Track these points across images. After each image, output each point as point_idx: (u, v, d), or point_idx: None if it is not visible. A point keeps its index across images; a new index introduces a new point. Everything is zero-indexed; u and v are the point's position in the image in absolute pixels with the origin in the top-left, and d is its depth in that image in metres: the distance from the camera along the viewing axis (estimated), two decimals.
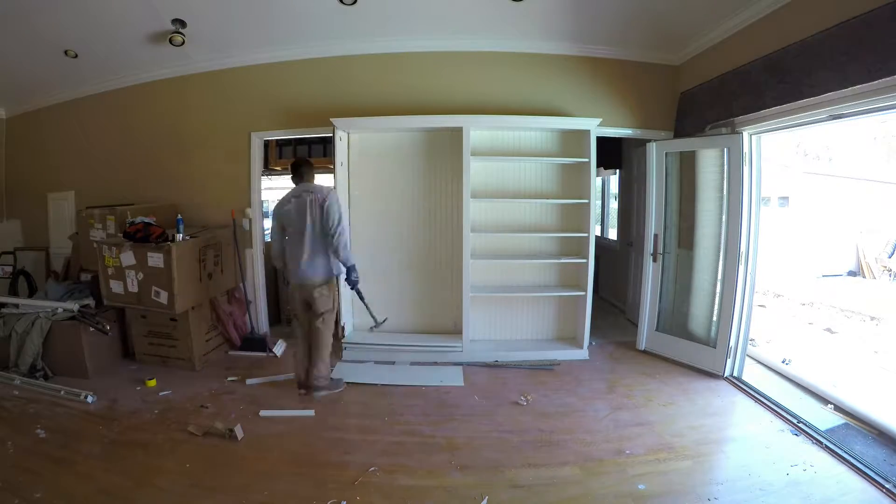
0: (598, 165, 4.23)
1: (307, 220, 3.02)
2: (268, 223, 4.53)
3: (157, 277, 3.49)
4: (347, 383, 3.42)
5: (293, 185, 3.21)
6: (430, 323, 4.17)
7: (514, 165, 4.08)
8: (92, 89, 4.63)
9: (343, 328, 4.05)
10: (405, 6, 3.54)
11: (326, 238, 3.03)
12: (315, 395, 3.19)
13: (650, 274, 4.03)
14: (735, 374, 3.49)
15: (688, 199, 3.94)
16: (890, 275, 8.73)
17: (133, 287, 3.56)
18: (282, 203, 3.17)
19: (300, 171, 3.18)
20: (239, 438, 2.66)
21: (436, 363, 3.84)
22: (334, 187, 3.34)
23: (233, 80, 4.29)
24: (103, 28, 3.66)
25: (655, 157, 3.95)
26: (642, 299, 4.11)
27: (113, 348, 3.81)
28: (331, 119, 3.93)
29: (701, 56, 3.79)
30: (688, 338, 3.84)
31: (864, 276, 8.92)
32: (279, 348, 4.09)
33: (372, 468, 2.41)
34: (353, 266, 3.15)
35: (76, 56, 4.06)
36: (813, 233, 9.41)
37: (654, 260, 3.99)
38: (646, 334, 4.07)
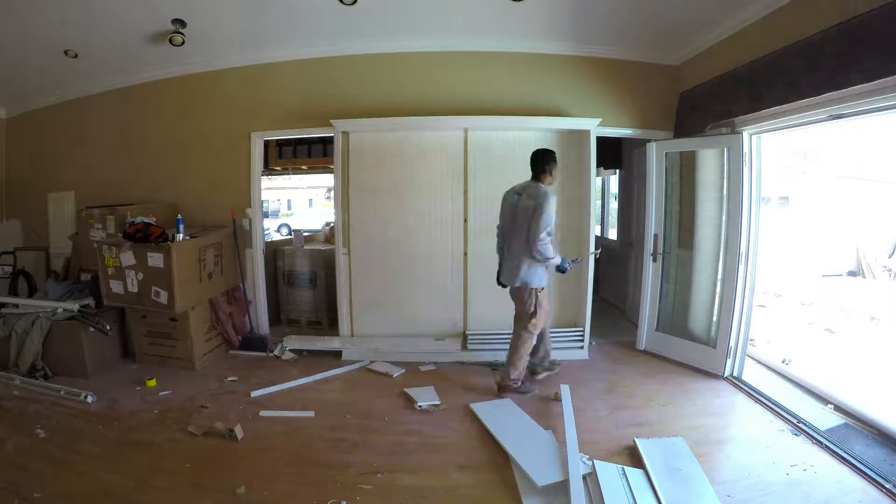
0: (598, 165, 4.23)
1: (521, 226, 3.06)
2: (268, 223, 4.53)
3: (157, 277, 3.49)
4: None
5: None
6: (429, 322, 4.16)
7: (515, 165, 4.06)
8: (92, 89, 4.64)
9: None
10: (405, 6, 3.54)
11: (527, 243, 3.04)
12: (502, 393, 3.20)
13: (650, 274, 4.03)
14: (735, 374, 3.48)
15: (688, 199, 3.94)
16: (890, 275, 8.72)
17: (133, 287, 3.56)
18: (508, 195, 3.25)
19: (535, 167, 3.17)
20: (239, 438, 2.66)
21: (435, 363, 3.84)
22: (546, 194, 3.04)
23: (233, 80, 4.29)
24: (103, 28, 3.66)
25: (655, 157, 3.94)
26: (642, 299, 4.11)
27: (113, 348, 3.81)
28: (331, 121, 3.95)
29: (701, 56, 3.79)
30: (688, 338, 3.84)
31: (864, 276, 8.91)
32: (286, 356, 4.02)
33: (372, 468, 2.41)
34: (561, 262, 3.17)
35: (76, 56, 4.06)
36: (813, 233, 9.40)
37: (654, 260, 3.98)
38: (646, 334, 4.07)
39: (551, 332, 4.10)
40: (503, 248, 3.31)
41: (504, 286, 3.38)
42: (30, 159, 5.09)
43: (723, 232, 3.54)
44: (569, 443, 2.53)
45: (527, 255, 3.07)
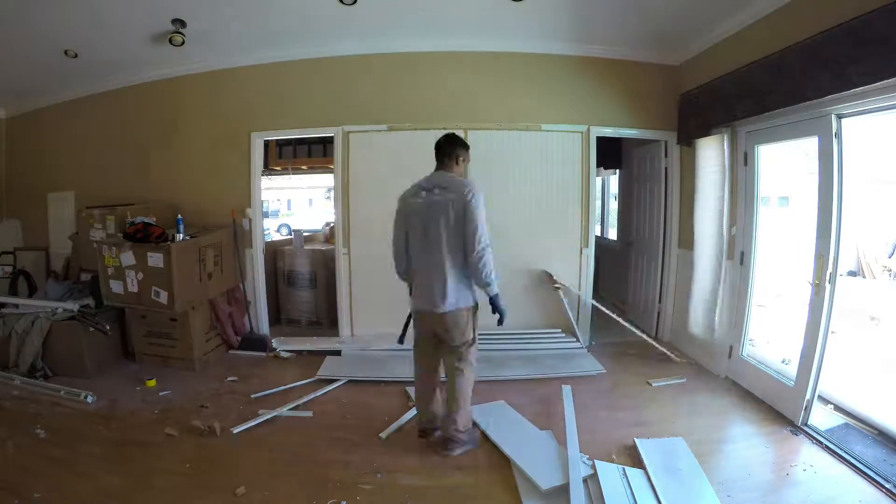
0: (598, 165, 4.24)
1: (440, 229, 2.34)
2: (267, 223, 4.53)
3: (157, 277, 3.49)
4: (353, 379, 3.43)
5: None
6: None
7: (515, 167, 4.08)
8: (92, 89, 4.64)
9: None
10: (405, 6, 3.54)
11: (463, 253, 2.34)
12: (449, 451, 2.47)
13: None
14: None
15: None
16: (890, 275, 8.71)
17: (133, 287, 3.56)
18: (408, 195, 2.50)
19: (440, 154, 2.49)
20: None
21: None
22: (472, 183, 2.39)
23: (233, 80, 4.29)
24: (103, 28, 3.66)
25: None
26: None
27: (113, 348, 3.82)
28: (330, 126, 4.00)
29: (701, 56, 3.79)
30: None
31: (864, 276, 8.90)
32: (285, 356, 4.01)
33: (372, 468, 2.41)
34: (497, 294, 2.38)
35: (76, 56, 4.06)
36: (812, 233, 9.38)
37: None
38: None
39: (552, 332, 4.13)
40: (409, 268, 2.55)
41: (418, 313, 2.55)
42: (30, 159, 5.09)
43: (724, 232, 3.54)
44: (569, 443, 2.53)
45: (454, 267, 2.35)
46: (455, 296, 2.37)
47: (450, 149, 2.50)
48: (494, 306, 2.42)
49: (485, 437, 2.70)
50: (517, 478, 2.31)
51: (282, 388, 3.36)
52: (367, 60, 4.09)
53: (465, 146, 2.58)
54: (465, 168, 2.58)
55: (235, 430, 2.74)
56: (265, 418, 2.89)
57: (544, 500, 2.15)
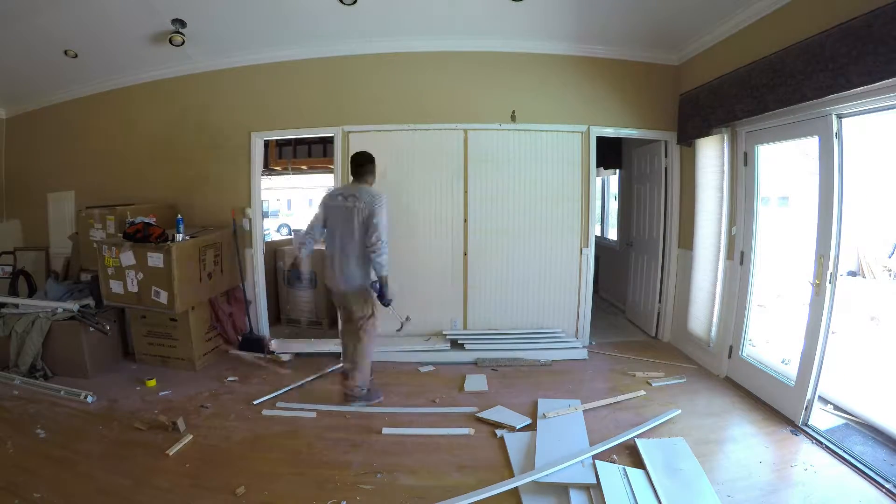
0: (598, 165, 4.24)
1: (352, 229, 2.94)
2: (267, 223, 4.52)
3: (157, 277, 3.49)
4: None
5: (350, 181, 3.15)
6: (429, 323, 4.17)
7: (515, 167, 4.08)
8: (92, 89, 4.64)
9: None
10: (405, 6, 3.54)
11: (366, 248, 2.92)
12: (349, 403, 3.08)
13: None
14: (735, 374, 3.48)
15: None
16: (890, 275, 8.71)
17: (133, 287, 3.56)
18: (331, 197, 3.09)
19: (361, 171, 3.08)
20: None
21: (434, 364, 3.84)
22: (380, 194, 3.01)
23: (233, 80, 4.28)
24: (103, 28, 3.66)
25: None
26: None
27: (113, 348, 3.81)
28: (330, 126, 4.01)
29: (700, 57, 3.79)
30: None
31: (864, 276, 8.90)
32: (284, 357, 4.02)
33: (372, 468, 2.41)
34: (386, 276, 2.97)
35: (76, 56, 4.06)
36: (813, 233, 9.37)
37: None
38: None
39: (552, 332, 4.13)
40: (333, 252, 3.07)
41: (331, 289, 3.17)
42: (30, 159, 5.09)
43: (723, 232, 3.54)
44: (572, 444, 2.53)
45: (362, 256, 2.96)
46: (355, 279, 3.01)
47: (366, 167, 3.11)
48: (381, 287, 3.00)
49: (487, 433, 2.70)
50: (517, 476, 2.31)
51: (283, 390, 3.36)
52: (367, 60, 4.09)
53: (373, 162, 3.17)
54: (373, 178, 3.17)
55: (264, 412, 2.97)
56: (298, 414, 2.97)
57: (544, 500, 2.14)
